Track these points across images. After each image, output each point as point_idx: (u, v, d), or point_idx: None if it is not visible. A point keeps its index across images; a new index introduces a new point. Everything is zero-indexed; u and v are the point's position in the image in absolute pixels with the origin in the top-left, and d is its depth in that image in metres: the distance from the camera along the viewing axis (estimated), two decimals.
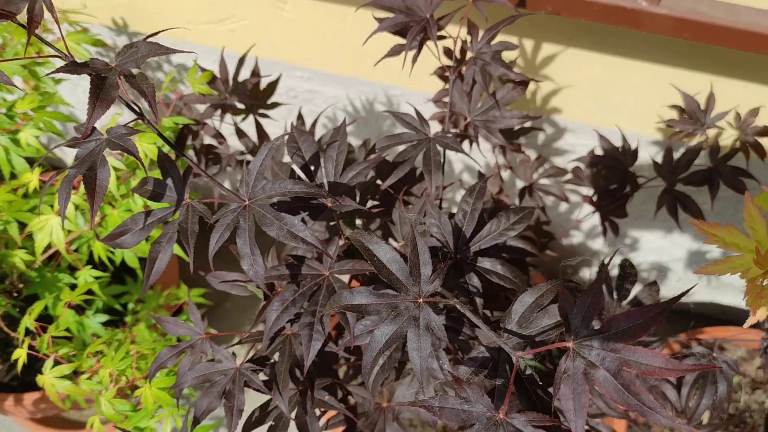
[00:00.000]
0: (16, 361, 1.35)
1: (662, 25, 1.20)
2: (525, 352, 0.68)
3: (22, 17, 0.75)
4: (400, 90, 1.59)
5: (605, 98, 1.47)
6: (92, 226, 0.77)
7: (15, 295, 1.54)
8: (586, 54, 1.38)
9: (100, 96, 0.73)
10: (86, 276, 1.46)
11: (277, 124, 1.72)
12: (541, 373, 0.75)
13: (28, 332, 1.41)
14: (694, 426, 1.20)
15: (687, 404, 1.14)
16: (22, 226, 1.42)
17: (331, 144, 0.99)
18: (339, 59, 1.56)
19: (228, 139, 1.76)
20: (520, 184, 1.58)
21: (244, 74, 1.52)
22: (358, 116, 1.70)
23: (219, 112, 1.46)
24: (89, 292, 1.49)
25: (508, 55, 1.42)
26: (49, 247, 1.43)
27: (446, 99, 1.18)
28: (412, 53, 1.11)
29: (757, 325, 1.12)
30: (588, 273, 1.96)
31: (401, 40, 1.12)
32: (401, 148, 1.08)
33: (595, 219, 1.77)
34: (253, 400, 1.06)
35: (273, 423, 1.01)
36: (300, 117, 1.41)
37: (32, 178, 1.36)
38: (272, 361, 1.02)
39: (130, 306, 1.65)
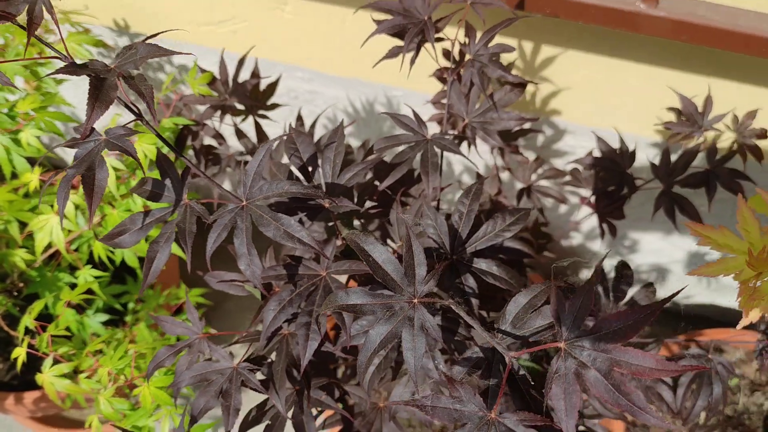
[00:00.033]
0: (16, 359, 1.36)
1: (660, 27, 1.20)
2: (517, 352, 0.68)
3: (23, 19, 0.76)
4: (401, 91, 1.60)
5: (604, 100, 1.48)
6: (90, 226, 0.78)
7: (15, 294, 1.55)
8: (584, 56, 1.39)
9: (99, 97, 0.74)
10: (86, 275, 1.47)
11: (277, 125, 1.72)
12: (537, 374, 0.75)
13: (27, 331, 1.41)
14: (689, 427, 1.20)
15: (683, 405, 1.14)
16: (23, 225, 1.43)
17: (328, 145, 1.00)
18: (339, 60, 1.57)
19: (228, 139, 1.77)
20: (519, 185, 1.59)
21: (244, 75, 1.53)
22: (358, 117, 1.71)
23: (219, 113, 1.46)
24: (89, 291, 1.49)
25: (507, 57, 1.42)
26: (49, 246, 1.44)
27: (445, 101, 1.19)
28: (410, 55, 1.11)
29: (753, 327, 1.12)
30: (587, 274, 1.96)
31: (400, 42, 1.12)
32: (400, 149, 1.08)
33: (595, 220, 1.78)
34: (252, 400, 1.07)
35: (270, 422, 1.02)
36: (299, 118, 1.41)
37: (33, 177, 1.36)
38: (269, 360, 1.02)
39: (131, 305, 1.66)
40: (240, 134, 1.47)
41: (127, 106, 0.81)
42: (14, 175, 1.47)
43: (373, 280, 0.90)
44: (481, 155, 1.38)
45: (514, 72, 1.45)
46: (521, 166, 1.51)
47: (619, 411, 0.59)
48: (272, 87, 1.49)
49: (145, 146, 1.28)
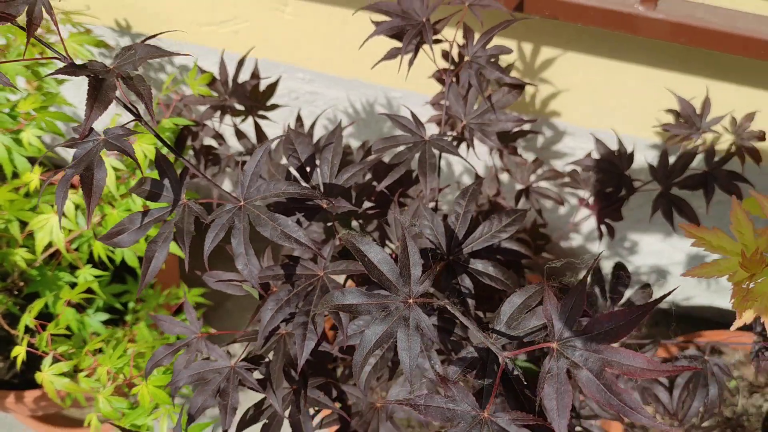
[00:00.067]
0: (16, 358, 1.37)
1: (658, 29, 1.20)
2: (511, 352, 0.69)
3: (24, 19, 0.76)
4: (401, 92, 1.60)
5: (603, 102, 1.48)
6: (89, 225, 0.78)
7: (16, 293, 1.56)
8: (584, 58, 1.39)
9: (98, 98, 0.75)
10: (86, 275, 1.48)
11: (277, 126, 1.73)
12: (533, 374, 0.75)
13: (28, 330, 1.42)
14: (686, 428, 1.21)
15: (679, 406, 1.15)
16: (24, 224, 1.43)
17: (326, 146, 1.00)
18: (340, 61, 1.57)
19: (228, 140, 1.77)
20: (519, 186, 1.59)
21: (244, 76, 1.53)
22: (358, 118, 1.71)
23: (218, 113, 1.47)
24: (89, 290, 1.50)
25: (506, 59, 1.43)
26: (50, 245, 1.45)
27: (444, 102, 1.19)
28: (408, 57, 1.12)
29: (750, 329, 1.12)
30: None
31: (399, 44, 1.13)
32: (399, 149, 1.09)
33: (594, 222, 1.78)
34: (251, 399, 1.07)
35: (267, 421, 1.02)
36: (299, 119, 1.42)
37: (33, 177, 1.37)
38: (267, 360, 1.03)
39: (131, 305, 1.67)
40: (240, 135, 1.48)
41: (125, 107, 0.81)
42: (15, 175, 1.48)
43: (370, 280, 0.91)
44: (479, 156, 1.38)
45: (513, 73, 1.45)
46: (520, 167, 1.51)
47: (610, 411, 0.59)
48: (272, 88, 1.49)
49: (145, 146, 1.29)
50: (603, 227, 1.45)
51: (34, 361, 1.55)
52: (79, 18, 1.58)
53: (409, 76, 1.46)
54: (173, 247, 1.40)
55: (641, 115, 1.47)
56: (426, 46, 1.12)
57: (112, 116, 1.55)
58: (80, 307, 1.57)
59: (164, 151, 1.29)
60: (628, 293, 1.16)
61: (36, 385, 1.63)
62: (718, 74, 1.34)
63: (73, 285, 1.51)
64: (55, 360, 1.34)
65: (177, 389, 1.01)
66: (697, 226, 0.76)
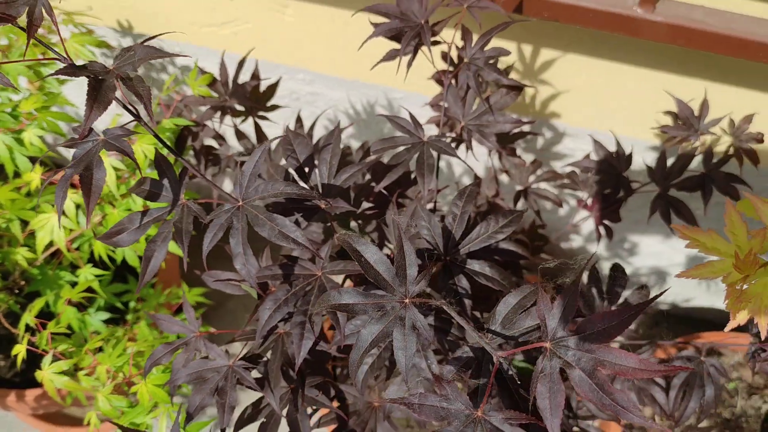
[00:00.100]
0: (17, 356, 1.38)
1: (657, 31, 1.21)
2: (505, 352, 0.69)
3: (25, 21, 0.77)
4: (401, 93, 1.61)
5: (602, 103, 1.48)
6: (88, 224, 0.79)
7: (17, 292, 1.57)
8: (583, 59, 1.39)
9: (98, 98, 0.75)
10: (87, 274, 1.48)
11: (278, 127, 1.74)
12: (530, 374, 0.76)
13: (28, 328, 1.43)
14: (683, 428, 1.21)
15: (675, 407, 1.15)
16: (25, 224, 1.44)
17: (325, 146, 1.01)
18: (340, 62, 1.58)
19: (229, 140, 1.78)
20: (518, 187, 1.60)
21: (244, 77, 1.54)
22: (359, 119, 1.72)
23: (218, 113, 1.48)
24: (90, 289, 1.51)
25: (506, 60, 1.43)
26: (51, 244, 1.46)
27: (442, 103, 1.20)
28: (406, 58, 1.12)
29: (747, 330, 1.13)
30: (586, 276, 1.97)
31: (398, 45, 1.13)
32: (398, 150, 1.09)
33: (593, 223, 1.78)
34: (251, 398, 1.08)
35: (264, 420, 1.03)
36: (299, 120, 1.42)
37: (34, 176, 1.38)
38: (265, 359, 1.03)
39: (132, 304, 1.68)
40: (240, 135, 1.49)
41: (125, 107, 0.82)
42: (17, 174, 1.48)
43: (368, 280, 0.92)
44: (477, 158, 1.39)
45: (513, 75, 1.46)
46: (518, 168, 1.52)
47: (603, 410, 0.59)
48: (272, 88, 1.50)
49: (145, 147, 1.29)
50: (601, 228, 1.45)
51: (35, 359, 1.55)
52: (81, 18, 1.58)
53: (409, 78, 1.47)
54: (174, 247, 1.40)
55: (640, 117, 1.47)
56: (425, 48, 1.12)
57: (113, 117, 1.55)
58: (81, 306, 1.58)
59: (164, 151, 1.29)
60: (625, 294, 1.17)
61: (37, 384, 1.64)
62: (717, 76, 1.34)
63: (73, 284, 1.52)
64: (56, 358, 1.35)
65: (175, 388, 1.01)
66: (690, 227, 0.76)
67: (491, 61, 1.13)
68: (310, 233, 1.15)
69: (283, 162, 1.37)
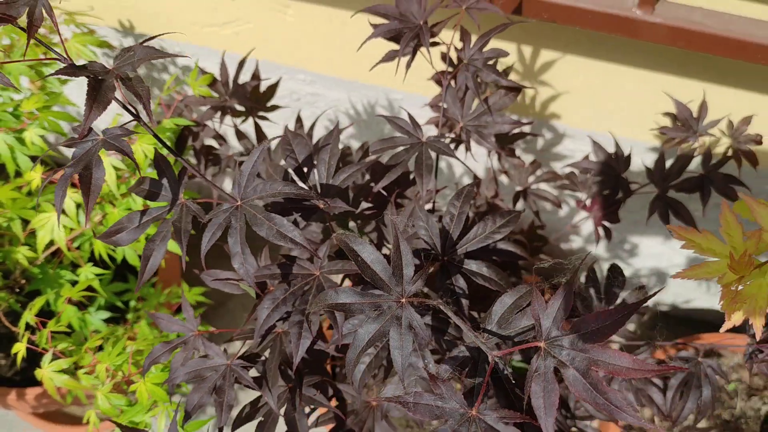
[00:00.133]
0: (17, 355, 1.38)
1: (656, 33, 1.21)
2: (500, 351, 0.69)
3: (24, 21, 0.78)
4: (402, 94, 1.61)
5: (602, 104, 1.49)
6: (87, 223, 0.79)
7: (18, 290, 1.57)
8: (583, 61, 1.40)
9: (97, 98, 0.76)
10: (87, 273, 1.49)
11: (278, 127, 1.74)
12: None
13: (28, 327, 1.43)
14: (681, 429, 1.21)
15: (672, 407, 1.15)
16: (26, 223, 1.45)
17: (323, 147, 1.02)
18: (341, 63, 1.58)
19: (230, 140, 1.79)
20: (518, 188, 1.60)
21: (245, 77, 1.54)
22: (359, 119, 1.72)
23: (219, 114, 1.48)
24: (90, 288, 1.51)
25: (505, 61, 1.44)
26: (51, 243, 1.46)
27: (441, 104, 1.20)
28: (405, 59, 1.13)
29: (745, 331, 1.13)
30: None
31: (397, 46, 1.14)
32: (397, 150, 1.10)
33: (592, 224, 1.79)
34: (250, 397, 1.08)
35: (262, 419, 1.03)
36: (299, 120, 1.43)
37: (35, 176, 1.39)
38: (263, 358, 1.04)
39: (132, 303, 1.68)
40: (240, 135, 1.49)
41: (124, 107, 0.83)
42: (18, 174, 1.49)
43: (365, 280, 0.92)
44: (476, 158, 1.39)
45: (513, 76, 1.46)
46: (518, 169, 1.52)
47: (596, 409, 0.60)
48: (272, 89, 1.50)
49: (145, 146, 1.30)
50: (600, 229, 1.45)
51: (35, 358, 1.56)
52: (82, 18, 1.59)
53: (409, 79, 1.47)
54: (173, 246, 1.41)
55: (639, 119, 1.48)
56: (424, 49, 1.13)
57: (114, 116, 1.56)
58: (82, 305, 1.59)
59: (164, 151, 1.30)
60: (623, 295, 1.17)
61: (37, 383, 1.64)
62: (716, 78, 1.35)
63: (74, 283, 1.52)
64: (55, 357, 1.36)
65: (174, 386, 1.02)
66: (686, 228, 0.76)
67: (490, 62, 1.14)
68: (309, 233, 1.16)
69: (283, 162, 1.37)
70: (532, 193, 1.54)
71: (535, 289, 0.64)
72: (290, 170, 1.03)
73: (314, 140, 1.32)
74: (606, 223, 1.45)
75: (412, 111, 1.60)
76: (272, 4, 1.48)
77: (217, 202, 0.91)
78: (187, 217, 0.88)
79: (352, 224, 1.17)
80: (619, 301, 1.16)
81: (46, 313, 1.54)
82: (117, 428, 0.98)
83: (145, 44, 0.81)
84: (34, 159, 1.43)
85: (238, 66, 1.47)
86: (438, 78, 1.32)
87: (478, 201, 1.54)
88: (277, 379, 0.97)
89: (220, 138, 1.51)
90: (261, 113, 1.50)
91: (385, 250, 1.14)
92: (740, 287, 0.74)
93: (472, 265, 0.95)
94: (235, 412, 1.03)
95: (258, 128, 1.48)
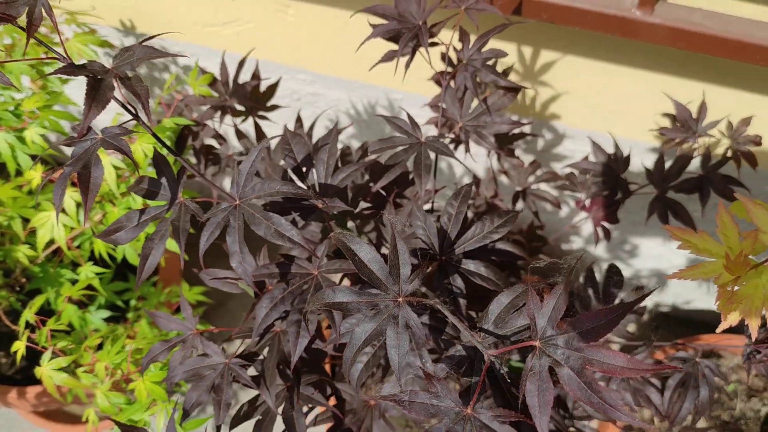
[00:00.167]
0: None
1: (656, 34, 1.21)
2: (495, 350, 0.70)
3: (24, 21, 0.78)
4: (401, 94, 1.62)
5: (602, 105, 1.49)
6: (85, 222, 0.80)
7: (18, 289, 1.58)
8: (583, 61, 1.40)
9: (96, 97, 0.76)
10: (87, 272, 1.49)
11: (279, 127, 1.74)
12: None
13: (28, 325, 1.44)
14: (679, 429, 1.22)
15: (670, 408, 1.15)
16: (26, 222, 1.45)
17: (322, 146, 1.02)
18: (341, 63, 1.59)
19: (231, 139, 1.79)
20: (518, 188, 1.60)
21: (245, 77, 1.55)
22: (360, 119, 1.73)
23: (219, 113, 1.48)
24: (90, 287, 1.52)
25: (505, 62, 1.44)
26: (51, 242, 1.47)
27: (441, 104, 1.20)
28: (404, 59, 1.13)
29: (743, 332, 1.13)
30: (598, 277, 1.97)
31: (396, 47, 1.14)
32: (396, 150, 1.10)
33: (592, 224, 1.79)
34: (249, 395, 1.09)
35: (260, 417, 1.04)
36: (299, 120, 1.43)
37: (35, 175, 1.39)
38: (261, 357, 1.04)
39: (132, 303, 1.69)
40: (240, 135, 1.49)
41: (123, 106, 0.83)
42: (19, 173, 1.50)
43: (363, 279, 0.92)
44: (475, 158, 1.39)
45: (513, 76, 1.47)
46: (517, 169, 1.52)
47: (591, 408, 0.60)
48: (272, 88, 1.50)
49: (145, 145, 1.30)
50: (600, 230, 1.46)
51: (36, 357, 1.56)
52: (84, 18, 1.59)
53: (410, 79, 1.47)
54: (173, 245, 1.41)
55: (639, 119, 1.48)
56: (423, 49, 1.13)
57: (114, 116, 1.56)
58: (82, 304, 1.59)
59: (163, 150, 1.30)
60: (622, 295, 1.18)
61: (38, 382, 1.65)
62: (716, 78, 1.35)
63: (74, 282, 1.53)
64: (55, 355, 1.36)
65: (172, 385, 1.02)
66: (682, 228, 0.77)
67: (488, 63, 1.14)
68: (308, 233, 1.16)
69: (282, 162, 1.38)
70: (532, 193, 1.54)
71: (531, 288, 0.64)
72: (289, 170, 1.04)
73: (314, 140, 1.33)
74: (605, 224, 1.45)
75: (413, 111, 1.60)
76: (273, 4, 1.49)
77: (216, 201, 0.91)
78: (186, 216, 0.89)
79: (351, 224, 1.18)
80: (617, 301, 1.16)
81: (47, 312, 1.55)
82: (116, 426, 0.98)
83: (144, 44, 0.81)
84: (34, 158, 1.44)
85: (238, 66, 1.47)
86: (438, 78, 1.32)
87: (477, 201, 1.54)
88: (275, 377, 0.97)
89: (220, 137, 1.51)
90: (261, 113, 1.50)
91: (384, 250, 1.14)
92: (736, 288, 0.74)
93: (469, 265, 0.96)
94: (233, 411, 1.03)
95: (258, 128, 1.48)
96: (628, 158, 1.39)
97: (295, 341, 0.93)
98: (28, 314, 1.39)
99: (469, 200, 1.45)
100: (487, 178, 1.55)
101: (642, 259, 1.91)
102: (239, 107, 1.47)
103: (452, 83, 1.18)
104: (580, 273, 1.20)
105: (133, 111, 0.83)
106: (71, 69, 0.77)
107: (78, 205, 1.38)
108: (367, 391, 1.16)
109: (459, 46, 1.17)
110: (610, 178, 1.39)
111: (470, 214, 1.53)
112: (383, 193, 1.17)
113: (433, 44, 1.17)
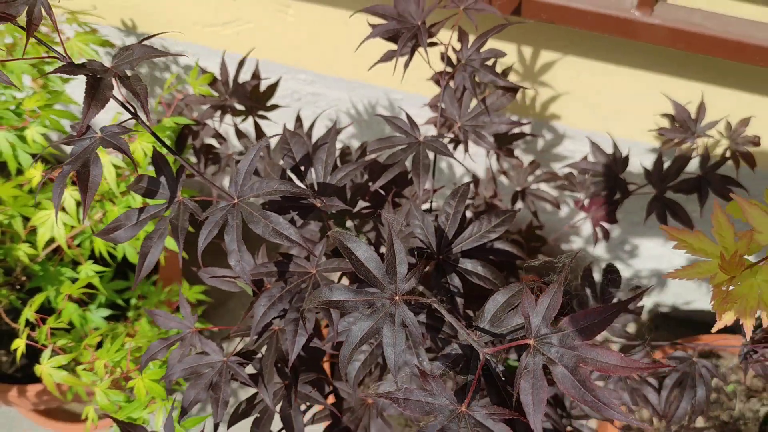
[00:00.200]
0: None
1: (655, 34, 1.21)
2: (491, 349, 0.70)
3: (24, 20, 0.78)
4: (401, 94, 1.62)
5: (601, 105, 1.49)
6: (84, 220, 0.80)
7: (18, 288, 1.58)
8: (583, 61, 1.40)
9: (95, 96, 0.77)
10: (87, 270, 1.50)
11: (278, 126, 1.75)
12: None
13: (28, 323, 1.44)
14: (677, 429, 1.22)
15: (667, 407, 1.16)
16: (27, 220, 1.46)
17: (321, 146, 1.02)
18: (341, 63, 1.59)
19: (231, 139, 1.79)
20: (518, 188, 1.61)
21: (245, 76, 1.55)
22: (360, 119, 1.73)
23: (219, 113, 1.49)
24: (90, 286, 1.52)
25: (504, 62, 1.44)
26: (52, 241, 1.47)
27: (440, 104, 1.21)
28: (403, 59, 1.13)
29: (741, 332, 1.13)
30: (597, 276, 1.97)
31: (395, 46, 1.14)
32: (395, 150, 1.10)
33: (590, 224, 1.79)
34: (248, 393, 1.09)
35: (258, 415, 1.04)
36: (299, 119, 1.44)
37: (36, 173, 1.39)
38: (259, 355, 1.05)
39: (133, 301, 1.69)
40: (240, 134, 1.50)
41: (122, 105, 0.83)
42: (20, 172, 1.50)
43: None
44: (473, 158, 1.39)
45: (513, 76, 1.47)
46: (516, 169, 1.53)
47: (585, 406, 0.60)
48: (272, 88, 1.51)
49: (144, 145, 1.31)
50: (599, 230, 1.46)
51: (36, 356, 1.57)
52: (85, 18, 1.60)
53: (409, 79, 1.47)
54: (172, 244, 1.42)
55: (639, 119, 1.48)
56: (422, 49, 1.13)
57: (114, 115, 1.57)
58: (83, 303, 1.59)
59: (163, 150, 1.31)
60: (619, 295, 1.18)
61: (38, 380, 1.65)
62: (716, 79, 1.35)
63: (74, 280, 1.53)
64: (54, 353, 1.36)
65: (171, 383, 1.03)
66: (678, 228, 0.77)
67: (487, 63, 1.14)
68: (306, 232, 1.16)
69: (281, 161, 1.38)
70: (531, 193, 1.54)
71: (526, 287, 0.64)
72: (287, 169, 1.04)
73: (314, 140, 1.33)
74: (604, 224, 1.45)
75: (412, 111, 1.60)
76: (273, 4, 1.49)
77: (216, 200, 0.91)
78: (185, 214, 0.89)
79: (350, 223, 1.18)
80: (615, 301, 1.16)
81: (47, 310, 1.55)
82: (115, 424, 0.99)
83: (144, 43, 0.82)
84: (35, 157, 1.44)
85: (238, 65, 1.47)
86: (437, 78, 1.33)
87: (476, 201, 1.54)
88: (273, 376, 0.98)
89: (220, 137, 1.52)
90: (261, 112, 1.50)
91: (383, 249, 1.15)
92: (731, 287, 0.74)
93: (467, 264, 0.96)
94: (232, 409, 1.04)
95: (258, 127, 1.49)
96: (627, 158, 1.39)
97: (293, 339, 0.93)
98: (29, 312, 1.39)
99: (468, 200, 1.46)
100: (486, 178, 1.55)
101: (642, 260, 1.91)
102: (239, 107, 1.48)
103: (451, 83, 1.18)
104: (578, 272, 1.20)
105: (133, 110, 0.84)
106: (71, 68, 0.77)
107: (78, 203, 1.38)
108: (365, 389, 1.17)
109: (458, 46, 1.18)
110: (609, 178, 1.39)
111: (469, 214, 1.53)
112: (382, 192, 1.18)
113: (432, 44, 1.17)
